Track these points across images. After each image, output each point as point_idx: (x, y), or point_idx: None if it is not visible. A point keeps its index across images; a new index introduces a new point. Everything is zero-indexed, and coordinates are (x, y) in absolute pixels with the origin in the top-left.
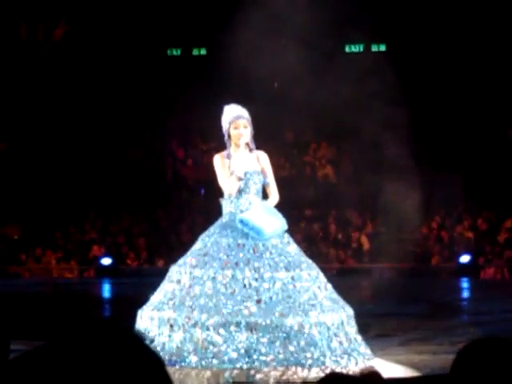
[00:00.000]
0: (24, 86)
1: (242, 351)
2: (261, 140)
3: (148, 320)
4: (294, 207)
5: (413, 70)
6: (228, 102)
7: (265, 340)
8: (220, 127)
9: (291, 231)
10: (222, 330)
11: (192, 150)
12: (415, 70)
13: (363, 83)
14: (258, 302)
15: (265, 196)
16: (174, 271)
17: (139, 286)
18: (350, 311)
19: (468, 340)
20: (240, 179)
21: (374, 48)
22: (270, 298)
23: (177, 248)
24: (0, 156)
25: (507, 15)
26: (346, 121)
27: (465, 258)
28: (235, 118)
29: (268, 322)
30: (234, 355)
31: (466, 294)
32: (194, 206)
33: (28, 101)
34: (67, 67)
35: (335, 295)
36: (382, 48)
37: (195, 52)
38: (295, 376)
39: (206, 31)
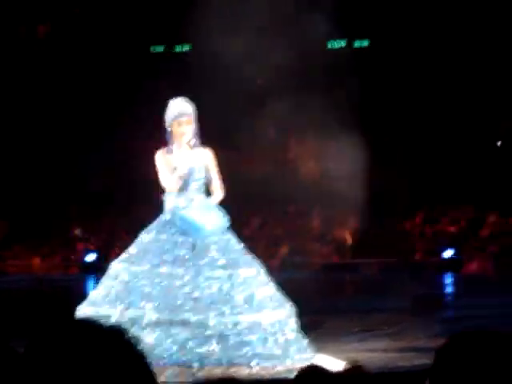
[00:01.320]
0: (9, 81)
1: (175, 348)
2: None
3: (83, 315)
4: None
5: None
6: (211, 99)
7: (199, 338)
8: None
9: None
10: (157, 328)
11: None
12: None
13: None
14: (194, 300)
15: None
16: (113, 267)
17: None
18: (291, 309)
19: (448, 335)
20: (183, 176)
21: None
22: (206, 297)
23: None
24: None
25: (492, 11)
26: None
27: (448, 253)
28: (179, 115)
29: (203, 320)
30: (170, 353)
31: (449, 289)
32: None
33: (14, 97)
34: (50, 64)
35: (276, 293)
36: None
37: (178, 48)
38: (237, 374)
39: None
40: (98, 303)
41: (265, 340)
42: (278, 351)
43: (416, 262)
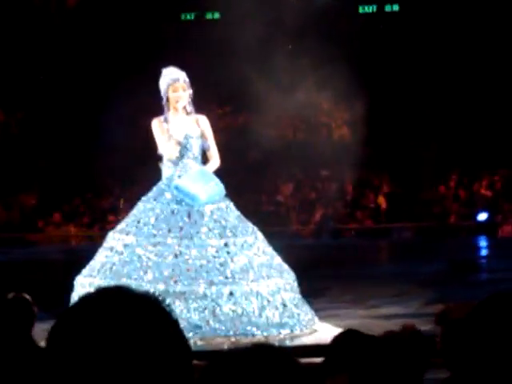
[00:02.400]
0: (39, 55)
1: None
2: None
3: (80, 287)
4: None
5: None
6: (241, 66)
7: (194, 308)
8: (159, 90)
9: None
10: None
11: (207, 113)
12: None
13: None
14: (188, 270)
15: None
16: (110, 238)
17: None
18: (291, 277)
19: (482, 297)
20: (179, 143)
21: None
22: (201, 266)
23: None
24: (17, 124)
25: None
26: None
27: (482, 216)
28: (173, 81)
29: (196, 290)
30: None
31: (483, 252)
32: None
33: (43, 69)
34: (80, 34)
35: (275, 261)
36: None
37: (209, 16)
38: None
39: None
40: (94, 274)
41: (262, 308)
42: (275, 319)
43: (451, 225)
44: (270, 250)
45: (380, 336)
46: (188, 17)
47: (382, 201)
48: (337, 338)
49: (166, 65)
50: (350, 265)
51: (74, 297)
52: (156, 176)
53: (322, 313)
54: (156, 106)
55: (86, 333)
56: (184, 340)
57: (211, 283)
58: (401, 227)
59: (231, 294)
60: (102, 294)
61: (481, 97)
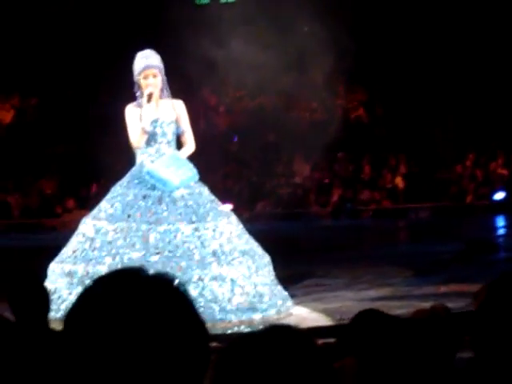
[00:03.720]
0: (52, 39)
1: None
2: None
3: (51, 273)
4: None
5: None
6: (257, 49)
7: None
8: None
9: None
10: None
11: (224, 97)
12: None
13: None
14: (157, 254)
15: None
16: (82, 223)
17: None
18: (264, 260)
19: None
20: (145, 131)
21: None
22: (170, 251)
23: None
24: (33, 110)
25: None
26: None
27: (499, 196)
28: (144, 68)
29: None
30: None
31: (500, 232)
32: (228, 154)
33: (57, 54)
34: (95, 17)
35: (248, 245)
36: None
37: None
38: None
39: None
40: (65, 260)
41: (232, 293)
42: (246, 304)
43: (467, 205)
44: (244, 234)
45: (410, 315)
46: (203, 0)
47: (399, 181)
48: (354, 318)
49: (181, 49)
50: (368, 245)
51: (48, 284)
52: None
53: (331, 293)
54: (172, 90)
55: (102, 316)
56: (200, 321)
57: (180, 268)
58: (418, 207)
59: (200, 279)
60: (116, 276)
61: (497, 75)
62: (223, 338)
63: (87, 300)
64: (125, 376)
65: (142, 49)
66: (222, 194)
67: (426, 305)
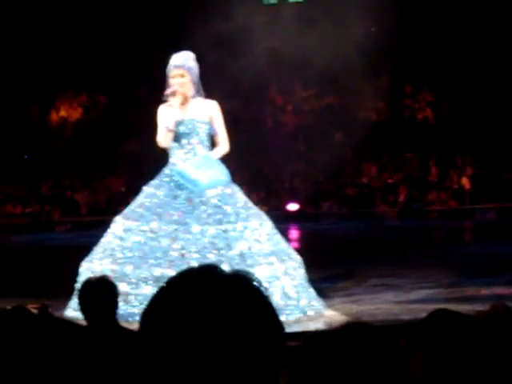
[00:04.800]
0: (120, 36)
1: None
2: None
3: (82, 271)
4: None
5: None
6: (326, 49)
7: None
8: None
9: None
10: (143, 284)
11: (291, 96)
12: None
13: None
14: (183, 255)
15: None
16: (113, 223)
17: None
18: (294, 262)
19: None
20: (169, 130)
21: None
22: (197, 252)
23: (279, 194)
24: (100, 108)
25: None
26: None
27: None
28: (172, 68)
29: None
30: None
31: None
32: (294, 152)
33: (126, 52)
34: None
35: (278, 246)
36: None
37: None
38: None
39: None
40: (95, 259)
41: None
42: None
43: None
44: (275, 235)
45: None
46: (271, 0)
47: (465, 182)
48: (426, 317)
49: (249, 49)
50: (433, 246)
51: (79, 282)
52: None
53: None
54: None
55: (179, 315)
56: (277, 318)
57: None
58: (484, 208)
59: None
60: (192, 274)
61: None
62: (298, 335)
63: (163, 299)
64: (203, 374)
65: (208, 48)
66: (289, 193)
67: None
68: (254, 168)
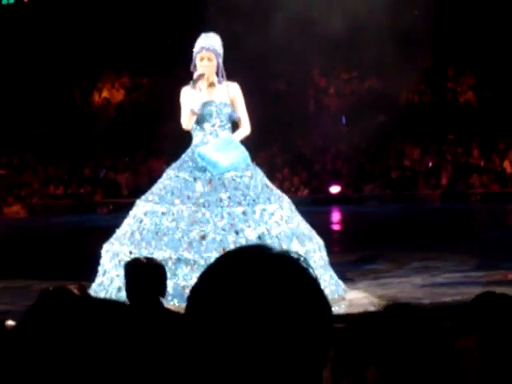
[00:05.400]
0: (164, 19)
1: (180, 288)
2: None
3: (103, 253)
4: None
5: None
6: (367, 32)
7: None
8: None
9: None
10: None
11: (334, 79)
12: None
13: None
14: (202, 237)
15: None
16: (135, 205)
17: None
18: (315, 245)
19: None
20: (193, 112)
21: None
22: (215, 234)
23: (321, 177)
24: (144, 90)
25: None
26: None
27: None
28: (200, 50)
29: (207, 258)
30: (175, 292)
31: None
32: (336, 135)
33: (169, 34)
34: None
35: (299, 229)
36: None
37: None
38: None
39: None
40: (115, 241)
41: None
42: None
43: None
44: (296, 218)
45: None
46: None
47: (507, 165)
48: (473, 299)
49: (292, 30)
50: (476, 229)
51: (103, 263)
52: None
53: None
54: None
55: (227, 294)
56: (325, 299)
57: (224, 250)
58: None
59: None
60: (239, 254)
61: None
62: (341, 318)
63: (212, 279)
64: (251, 354)
65: (253, 29)
66: (331, 176)
67: None
68: (296, 150)
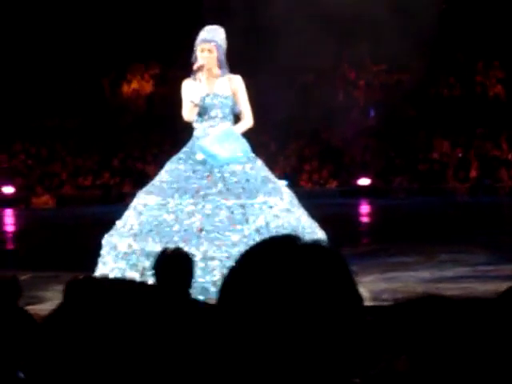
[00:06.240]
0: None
1: None
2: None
3: (103, 245)
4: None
5: None
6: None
7: (202, 269)
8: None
9: None
10: None
11: (363, 71)
12: None
13: None
14: (200, 230)
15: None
16: (135, 197)
17: (313, 207)
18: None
19: None
20: (194, 104)
21: None
22: (212, 227)
23: (350, 169)
24: (172, 80)
25: None
26: None
27: None
28: (201, 42)
29: (206, 251)
30: None
31: None
32: (366, 128)
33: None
34: None
35: (300, 222)
36: None
37: None
38: None
39: None
40: (114, 233)
41: None
42: None
43: None
44: (298, 211)
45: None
46: None
47: None
48: (503, 294)
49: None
50: (504, 222)
51: (103, 255)
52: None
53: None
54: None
55: (261, 284)
56: (357, 289)
57: (221, 244)
58: None
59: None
60: (272, 243)
61: None
62: (371, 309)
63: (244, 269)
64: (284, 347)
65: (282, 21)
66: (360, 168)
67: None
68: (325, 142)
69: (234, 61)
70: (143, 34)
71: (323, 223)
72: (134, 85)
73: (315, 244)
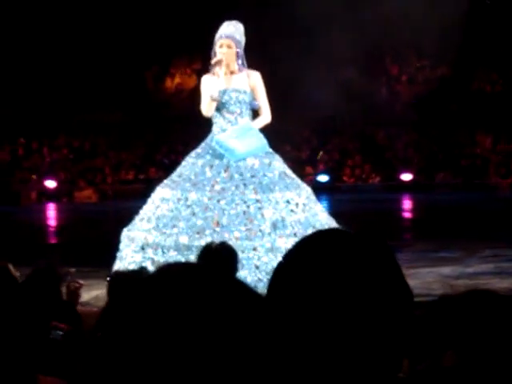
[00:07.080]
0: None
1: None
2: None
3: (122, 238)
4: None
5: None
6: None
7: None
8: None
9: None
10: (174, 252)
11: (406, 66)
12: None
13: None
14: (216, 224)
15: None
16: (155, 191)
17: (356, 202)
18: None
19: None
20: (214, 99)
21: None
22: (229, 220)
23: (392, 164)
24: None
25: None
26: None
27: None
28: (219, 37)
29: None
30: None
31: None
32: (408, 123)
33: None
34: None
35: (317, 217)
36: None
37: None
38: None
39: None
40: (133, 226)
41: None
42: None
43: None
44: (314, 206)
45: None
46: None
47: None
48: None
49: (363, 19)
50: None
51: (121, 249)
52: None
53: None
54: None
55: (313, 275)
56: (406, 283)
57: (236, 239)
58: None
59: (255, 249)
60: (323, 235)
61: None
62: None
63: (294, 262)
64: (333, 339)
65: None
66: (403, 163)
67: None
68: (368, 138)
69: (281, 54)
70: (186, 27)
71: (366, 217)
72: (178, 79)
73: (364, 236)
